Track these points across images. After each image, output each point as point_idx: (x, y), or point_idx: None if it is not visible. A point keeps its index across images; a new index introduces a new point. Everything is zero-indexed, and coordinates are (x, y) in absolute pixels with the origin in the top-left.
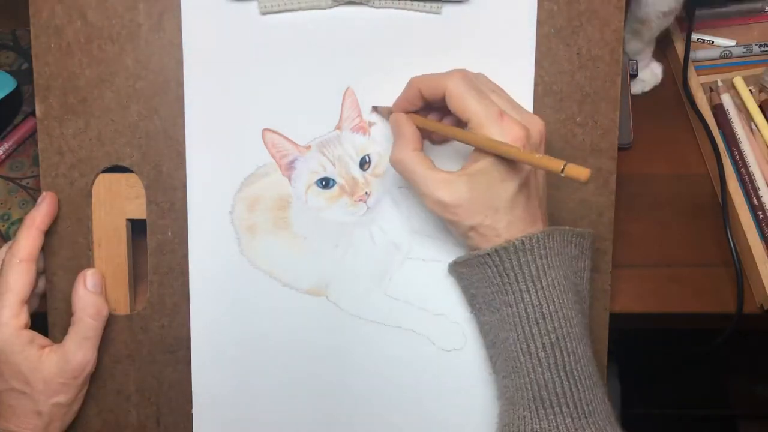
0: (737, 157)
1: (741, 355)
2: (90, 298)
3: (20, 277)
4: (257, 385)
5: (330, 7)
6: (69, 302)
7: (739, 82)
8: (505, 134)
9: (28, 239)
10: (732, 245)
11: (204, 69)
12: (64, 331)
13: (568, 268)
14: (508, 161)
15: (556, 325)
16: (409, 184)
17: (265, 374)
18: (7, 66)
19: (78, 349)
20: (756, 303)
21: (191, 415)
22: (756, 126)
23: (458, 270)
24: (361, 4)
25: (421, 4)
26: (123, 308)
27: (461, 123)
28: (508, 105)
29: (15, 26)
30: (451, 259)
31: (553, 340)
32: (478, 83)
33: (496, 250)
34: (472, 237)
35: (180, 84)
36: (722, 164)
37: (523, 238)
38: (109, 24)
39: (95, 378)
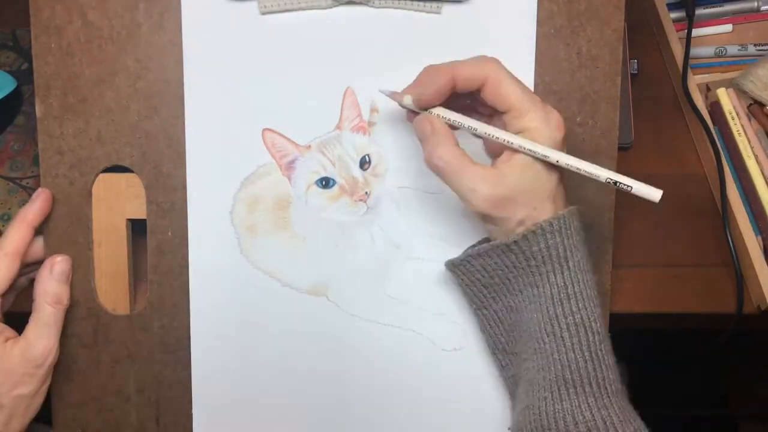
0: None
1: (741, 355)
2: (50, 284)
3: (0, 269)
4: (257, 385)
5: (330, 7)
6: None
7: (722, 94)
8: (551, 119)
9: (17, 234)
10: (731, 245)
11: (204, 69)
12: (64, 331)
13: (586, 248)
14: (558, 147)
15: (581, 305)
16: (441, 184)
17: (265, 374)
18: (7, 66)
19: (39, 337)
20: (753, 303)
21: (191, 415)
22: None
23: (470, 263)
24: (361, 4)
25: (421, 4)
26: (123, 308)
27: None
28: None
29: (15, 26)
30: (450, 257)
31: (577, 321)
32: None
33: (525, 235)
34: (518, 231)
35: (180, 84)
36: (721, 165)
37: (552, 220)
38: (109, 24)
39: (95, 378)
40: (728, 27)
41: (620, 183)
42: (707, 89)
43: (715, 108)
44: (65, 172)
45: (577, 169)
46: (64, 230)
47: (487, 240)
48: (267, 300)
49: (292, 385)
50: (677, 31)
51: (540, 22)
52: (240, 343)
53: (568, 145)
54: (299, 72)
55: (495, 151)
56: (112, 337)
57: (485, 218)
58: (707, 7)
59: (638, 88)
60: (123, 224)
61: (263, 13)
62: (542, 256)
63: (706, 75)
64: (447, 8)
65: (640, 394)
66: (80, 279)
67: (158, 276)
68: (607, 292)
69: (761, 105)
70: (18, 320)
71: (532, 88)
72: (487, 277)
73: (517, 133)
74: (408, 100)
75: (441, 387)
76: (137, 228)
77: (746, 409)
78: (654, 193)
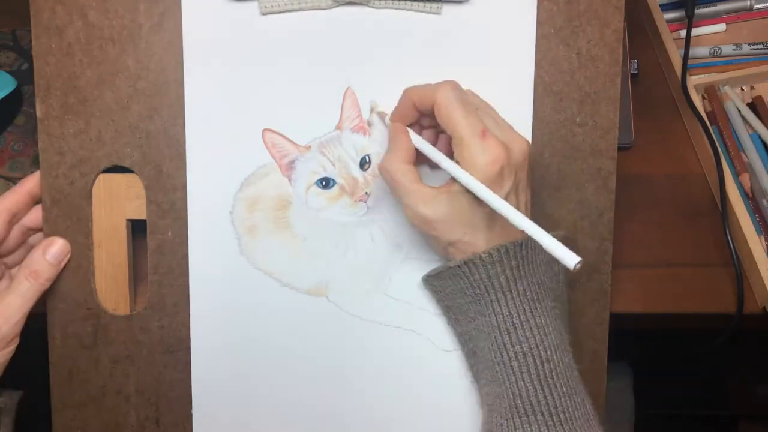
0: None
1: (741, 355)
2: (36, 258)
3: None
4: (257, 385)
5: (330, 8)
6: (69, 302)
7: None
8: (486, 152)
9: (11, 194)
10: (731, 245)
11: (204, 69)
12: (64, 332)
13: (543, 274)
14: (488, 181)
15: (528, 334)
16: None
17: (265, 374)
18: (7, 66)
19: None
20: (758, 304)
21: (191, 415)
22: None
23: (432, 283)
24: (361, 4)
25: (421, 4)
26: (123, 308)
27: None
28: (494, 123)
29: (15, 26)
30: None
31: (525, 350)
32: (466, 98)
33: (465, 262)
34: (451, 252)
35: (180, 84)
36: (721, 165)
37: (491, 251)
38: (110, 24)
39: (95, 378)
40: (722, 26)
41: (538, 239)
42: (704, 95)
43: (714, 105)
44: (65, 172)
45: (498, 210)
46: (64, 230)
47: None
48: (267, 300)
49: (292, 385)
50: (672, 31)
51: (540, 23)
52: (240, 343)
53: (568, 145)
54: (299, 72)
55: None
56: (112, 337)
57: (420, 232)
58: (701, 7)
59: (638, 88)
60: (123, 224)
61: (263, 14)
62: (484, 285)
63: (702, 75)
64: (447, 8)
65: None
66: (80, 279)
67: (158, 276)
68: (607, 292)
69: None
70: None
71: (531, 88)
72: (449, 299)
73: (456, 159)
74: (385, 119)
75: (441, 387)
76: (137, 228)
77: (746, 409)
78: (570, 260)
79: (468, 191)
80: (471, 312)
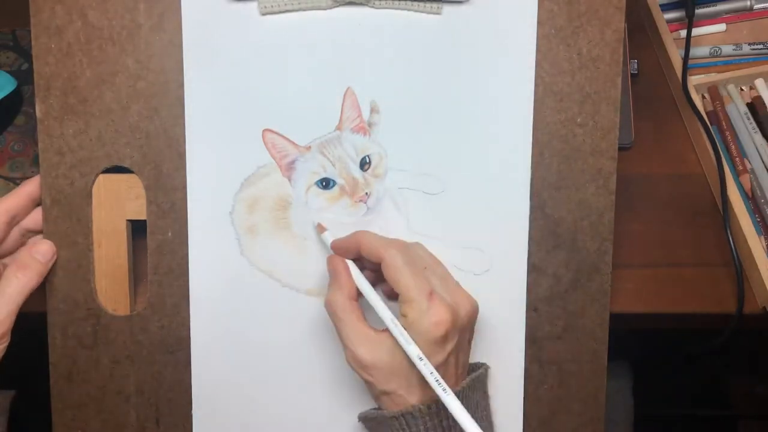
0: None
1: (741, 355)
2: (24, 255)
3: None
4: (257, 385)
5: (330, 8)
6: (69, 302)
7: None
8: (431, 314)
9: (11, 196)
10: (731, 245)
11: (204, 69)
12: (64, 332)
13: (474, 415)
14: (431, 342)
15: None
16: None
17: (264, 375)
18: (7, 66)
19: None
20: (758, 304)
21: (191, 415)
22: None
23: (368, 423)
24: (361, 4)
25: (421, 4)
26: (123, 309)
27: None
28: (441, 283)
29: (15, 26)
30: (450, 259)
31: None
32: (414, 257)
33: (402, 414)
34: (383, 401)
35: (180, 84)
36: (721, 164)
37: (430, 404)
38: (110, 24)
39: (95, 378)
40: (722, 26)
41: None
42: (703, 96)
43: (716, 103)
44: (65, 172)
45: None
46: (64, 231)
47: None
48: (267, 300)
49: (292, 385)
50: (672, 31)
51: (540, 23)
52: (240, 343)
53: (569, 145)
54: (299, 72)
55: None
56: (112, 337)
57: (355, 371)
58: (701, 7)
59: (638, 88)
60: (123, 225)
61: (263, 14)
62: None
63: (702, 75)
64: (447, 9)
65: (640, 394)
66: (80, 279)
67: (158, 276)
68: (607, 292)
69: None
70: (23, 320)
71: (532, 89)
72: None
73: (402, 315)
74: (326, 236)
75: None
76: (137, 228)
77: (746, 409)
78: None
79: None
80: None
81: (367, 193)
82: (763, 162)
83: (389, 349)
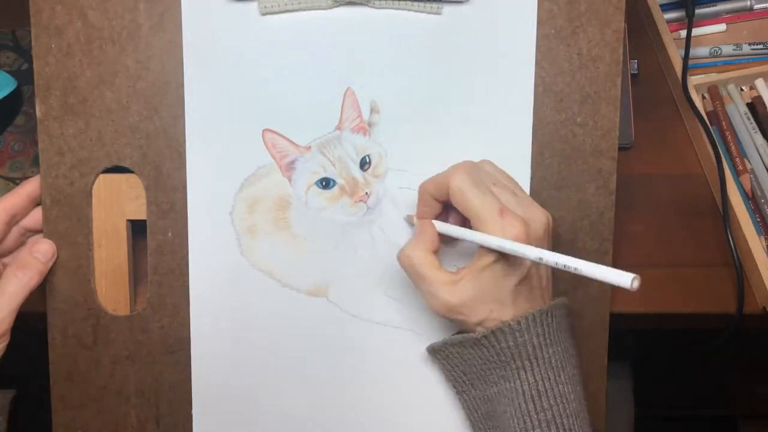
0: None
1: (741, 355)
2: (24, 255)
3: None
4: (257, 386)
5: (330, 8)
6: (69, 302)
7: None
8: (505, 231)
9: (11, 195)
10: (732, 245)
11: (204, 69)
12: (64, 332)
13: (567, 340)
14: (510, 256)
15: (552, 402)
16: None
17: (265, 375)
18: (7, 66)
19: None
20: (758, 304)
21: (191, 415)
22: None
23: (447, 350)
24: (361, 4)
25: (421, 4)
26: (123, 309)
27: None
28: (512, 197)
29: (15, 26)
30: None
31: (549, 417)
32: (481, 176)
33: (493, 332)
34: (479, 331)
35: (180, 84)
36: (721, 164)
37: (519, 318)
38: (110, 24)
39: (95, 379)
40: (722, 26)
41: (590, 273)
42: (704, 96)
43: (716, 103)
44: (65, 172)
45: (555, 263)
46: (64, 231)
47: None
48: (267, 300)
49: (292, 385)
50: (672, 31)
51: (540, 23)
52: (240, 343)
53: (569, 145)
54: (299, 72)
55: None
56: (112, 337)
57: (445, 317)
58: (701, 7)
59: (638, 88)
60: (123, 225)
61: (263, 14)
62: (511, 353)
63: (702, 75)
64: (447, 9)
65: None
66: (80, 279)
67: (158, 276)
68: (607, 292)
69: None
70: (23, 320)
71: (532, 89)
72: (465, 365)
73: None
74: (413, 219)
75: (441, 387)
76: (137, 228)
77: (746, 409)
78: (625, 281)
79: (490, 266)
80: (493, 376)
81: (367, 193)
82: (763, 162)
83: (470, 282)
